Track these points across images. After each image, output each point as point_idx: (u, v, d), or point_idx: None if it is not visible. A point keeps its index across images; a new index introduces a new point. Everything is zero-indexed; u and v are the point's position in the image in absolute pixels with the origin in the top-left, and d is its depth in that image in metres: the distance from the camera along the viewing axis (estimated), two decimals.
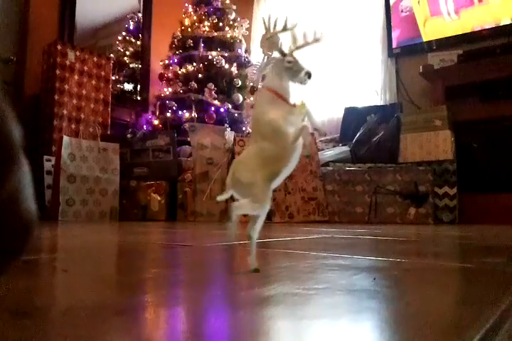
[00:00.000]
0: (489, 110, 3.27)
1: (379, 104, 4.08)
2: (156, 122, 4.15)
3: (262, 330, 0.37)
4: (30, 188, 0.34)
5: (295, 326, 0.38)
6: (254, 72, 3.69)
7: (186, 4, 4.69)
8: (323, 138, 4.07)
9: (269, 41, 0.68)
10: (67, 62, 3.54)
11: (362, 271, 0.71)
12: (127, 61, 4.58)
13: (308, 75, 0.64)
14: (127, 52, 4.60)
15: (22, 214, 0.33)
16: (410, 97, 4.03)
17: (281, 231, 1.92)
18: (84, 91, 3.65)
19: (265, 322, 0.39)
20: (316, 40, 0.68)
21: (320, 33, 0.66)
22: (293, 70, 0.66)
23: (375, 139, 3.40)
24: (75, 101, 3.57)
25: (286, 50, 0.68)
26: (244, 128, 4.06)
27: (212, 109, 4.02)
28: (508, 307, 0.43)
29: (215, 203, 3.17)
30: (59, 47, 3.50)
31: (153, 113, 4.38)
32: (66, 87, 3.51)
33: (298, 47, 0.67)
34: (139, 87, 4.64)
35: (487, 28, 3.67)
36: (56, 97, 3.44)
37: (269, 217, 2.96)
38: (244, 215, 0.65)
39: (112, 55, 4.26)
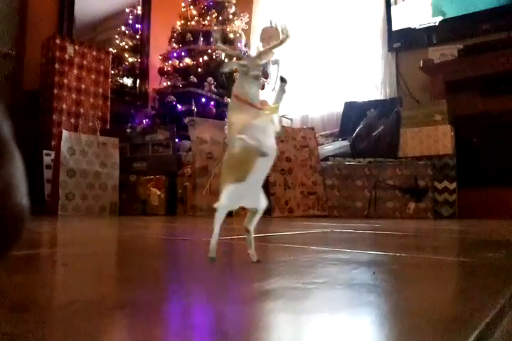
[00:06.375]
0: (489, 105, 3.26)
1: (379, 98, 4.07)
2: (155, 116, 4.14)
3: (262, 324, 0.37)
4: (23, 182, 0.34)
5: (294, 320, 0.38)
6: None
7: None
8: (323, 133, 4.07)
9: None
10: (66, 56, 3.52)
11: (361, 265, 0.71)
12: (126, 55, 4.57)
13: (255, 77, 0.62)
14: (126, 46, 4.59)
15: (14, 208, 0.33)
16: (410, 92, 4.02)
17: (281, 226, 1.92)
18: (83, 86, 3.64)
19: (265, 316, 0.39)
20: (281, 42, 0.66)
21: (285, 32, 0.64)
22: (246, 74, 0.64)
23: (374, 134, 3.40)
24: (74, 96, 3.56)
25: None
26: None
27: (212, 103, 4.01)
28: (507, 302, 0.43)
29: (214, 198, 3.17)
30: (58, 41, 3.48)
31: (153, 107, 4.37)
32: (65, 81, 3.50)
33: (261, 52, 0.66)
34: (138, 81, 4.63)
35: (487, 22, 3.65)
36: (55, 91, 3.43)
37: (269, 211, 2.96)
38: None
39: (111, 49, 4.25)
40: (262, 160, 0.63)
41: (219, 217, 0.66)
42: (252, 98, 0.64)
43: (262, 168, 0.64)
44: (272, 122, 0.62)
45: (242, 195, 0.65)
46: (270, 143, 0.63)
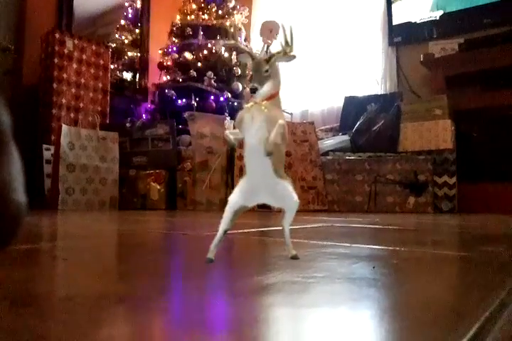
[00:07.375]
0: (489, 99, 3.25)
1: (379, 93, 4.06)
2: (155, 111, 4.13)
3: (262, 318, 0.37)
4: (20, 178, 0.34)
5: (294, 314, 0.38)
6: None
7: None
8: (323, 127, 4.06)
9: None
10: (66, 51, 3.51)
11: (361, 259, 0.71)
12: (126, 49, 4.55)
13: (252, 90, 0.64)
14: (126, 41, 4.57)
15: (10, 205, 0.33)
16: (410, 86, 4.01)
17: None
18: (82, 80, 3.63)
19: (265, 310, 0.39)
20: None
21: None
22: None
23: (375, 128, 3.39)
24: (73, 90, 3.55)
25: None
26: None
27: (212, 97, 4.00)
28: (507, 295, 0.43)
29: (214, 192, 3.18)
30: (57, 35, 3.46)
31: (153, 102, 4.36)
32: (65, 75, 3.49)
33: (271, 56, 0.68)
34: (138, 75, 4.61)
35: (489, 16, 3.64)
36: (55, 86, 3.42)
37: (269, 205, 2.96)
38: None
39: (110, 44, 4.23)
40: (251, 155, 0.64)
41: (226, 213, 0.65)
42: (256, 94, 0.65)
43: (254, 163, 0.64)
44: (253, 117, 0.63)
45: (249, 191, 0.65)
46: (248, 140, 0.63)
